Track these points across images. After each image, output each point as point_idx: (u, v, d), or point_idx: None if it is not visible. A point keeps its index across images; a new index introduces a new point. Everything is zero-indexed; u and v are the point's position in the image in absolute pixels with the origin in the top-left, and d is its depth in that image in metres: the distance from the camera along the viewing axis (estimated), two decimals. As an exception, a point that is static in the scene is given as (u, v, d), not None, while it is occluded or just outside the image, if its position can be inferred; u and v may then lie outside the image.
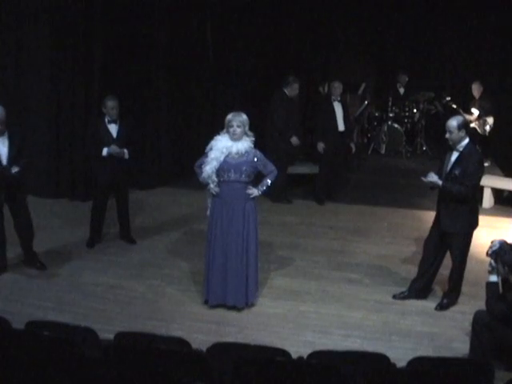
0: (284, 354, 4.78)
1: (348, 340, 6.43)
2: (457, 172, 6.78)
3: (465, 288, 7.21)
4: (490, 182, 10.74)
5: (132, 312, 6.91)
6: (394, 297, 7.35)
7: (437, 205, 7.10)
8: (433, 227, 7.17)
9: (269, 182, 6.95)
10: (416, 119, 13.67)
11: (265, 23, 12.49)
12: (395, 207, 10.59)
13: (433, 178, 6.87)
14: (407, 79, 13.88)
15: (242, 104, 10.84)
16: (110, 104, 8.29)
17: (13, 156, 7.33)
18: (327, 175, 10.93)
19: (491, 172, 11.22)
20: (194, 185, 7.71)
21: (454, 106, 12.79)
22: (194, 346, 4.95)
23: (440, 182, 6.83)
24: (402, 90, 13.97)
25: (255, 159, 6.82)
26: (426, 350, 6.16)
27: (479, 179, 7.03)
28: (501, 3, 11.98)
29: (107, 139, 8.32)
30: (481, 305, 6.02)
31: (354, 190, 11.42)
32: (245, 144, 6.77)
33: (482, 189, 10.17)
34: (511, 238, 7.01)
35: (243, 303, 6.94)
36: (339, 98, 10.83)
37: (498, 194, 10.98)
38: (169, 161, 11.68)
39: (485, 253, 6.01)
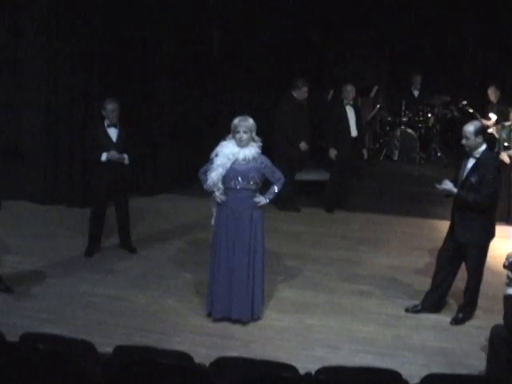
0: (291, 369, 4.76)
1: (358, 355, 6.41)
2: (473, 179, 6.77)
3: (481, 301, 7.19)
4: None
5: (132, 324, 6.89)
6: (407, 310, 7.34)
7: (451, 214, 7.08)
8: (447, 237, 7.15)
9: (276, 189, 6.93)
10: (430, 124, 13.64)
11: (273, 26, 12.52)
12: (408, 216, 10.59)
13: (447, 185, 6.87)
14: (420, 81, 13.86)
15: (248, 107, 10.85)
16: (110, 107, 8.31)
17: None
18: (338, 182, 10.92)
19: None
20: (198, 191, 7.72)
21: (471, 111, 12.78)
22: (197, 360, 4.92)
23: (455, 190, 6.82)
24: (416, 93, 13.95)
25: (263, 166, 6.81)
26: (440, 367, 6.14)
27: (497, 187, 7.00)
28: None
29: (106, 143, 8.34)
30: (498, 319, 5.98)
31: (365, 197, 11.40)
32: (252, 150, 6.75)
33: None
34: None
35: (249, 317, 6.92)
36: (352, 102, 10.84)
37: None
38: (171, 166, 11.69)
39: (502, 265, 5.99)
